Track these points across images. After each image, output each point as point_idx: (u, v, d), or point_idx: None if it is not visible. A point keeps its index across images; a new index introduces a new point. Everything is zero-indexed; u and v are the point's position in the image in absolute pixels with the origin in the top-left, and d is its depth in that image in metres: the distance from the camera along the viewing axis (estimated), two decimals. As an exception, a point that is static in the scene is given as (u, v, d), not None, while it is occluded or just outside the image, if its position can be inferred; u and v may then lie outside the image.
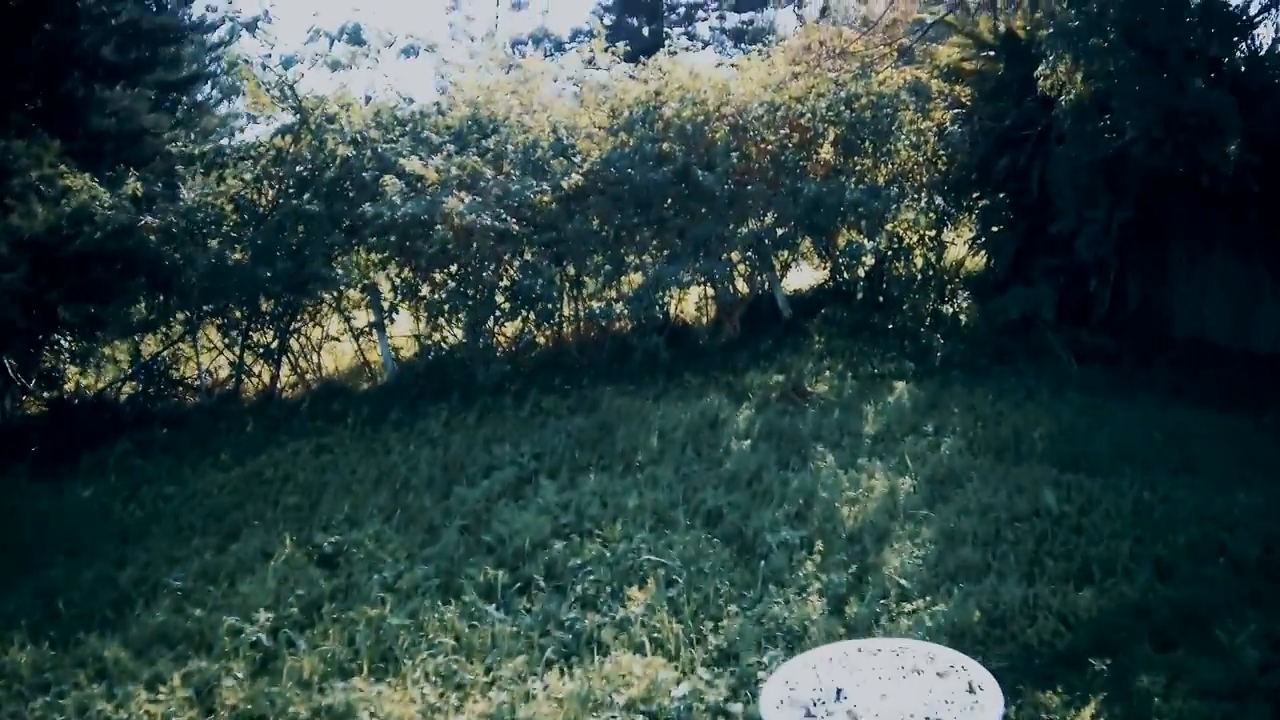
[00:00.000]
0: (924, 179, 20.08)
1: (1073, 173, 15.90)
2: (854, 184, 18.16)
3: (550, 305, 17.85)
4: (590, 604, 9.50)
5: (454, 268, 17.88)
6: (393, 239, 17.25)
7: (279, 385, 18.04)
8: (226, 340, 18.22)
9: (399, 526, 11.33)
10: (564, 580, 9.90)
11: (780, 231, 18.06)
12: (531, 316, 18.21)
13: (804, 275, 22.69)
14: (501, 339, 18.70)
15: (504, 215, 16.60)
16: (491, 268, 17.56)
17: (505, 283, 17.99)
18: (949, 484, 12.27)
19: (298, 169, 17.72)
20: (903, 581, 9.99)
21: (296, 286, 17.07)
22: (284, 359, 18.12)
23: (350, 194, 17.46)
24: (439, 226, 16.45)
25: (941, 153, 19.89)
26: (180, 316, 17.53)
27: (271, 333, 18.07)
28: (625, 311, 17.58)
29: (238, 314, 17.70)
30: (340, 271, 17.57)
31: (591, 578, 9.89)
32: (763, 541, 10.87)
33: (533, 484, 12.19)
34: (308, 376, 18.41)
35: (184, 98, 32.29)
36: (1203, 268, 17.41)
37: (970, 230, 21.20)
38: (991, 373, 16.57)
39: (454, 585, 9.87)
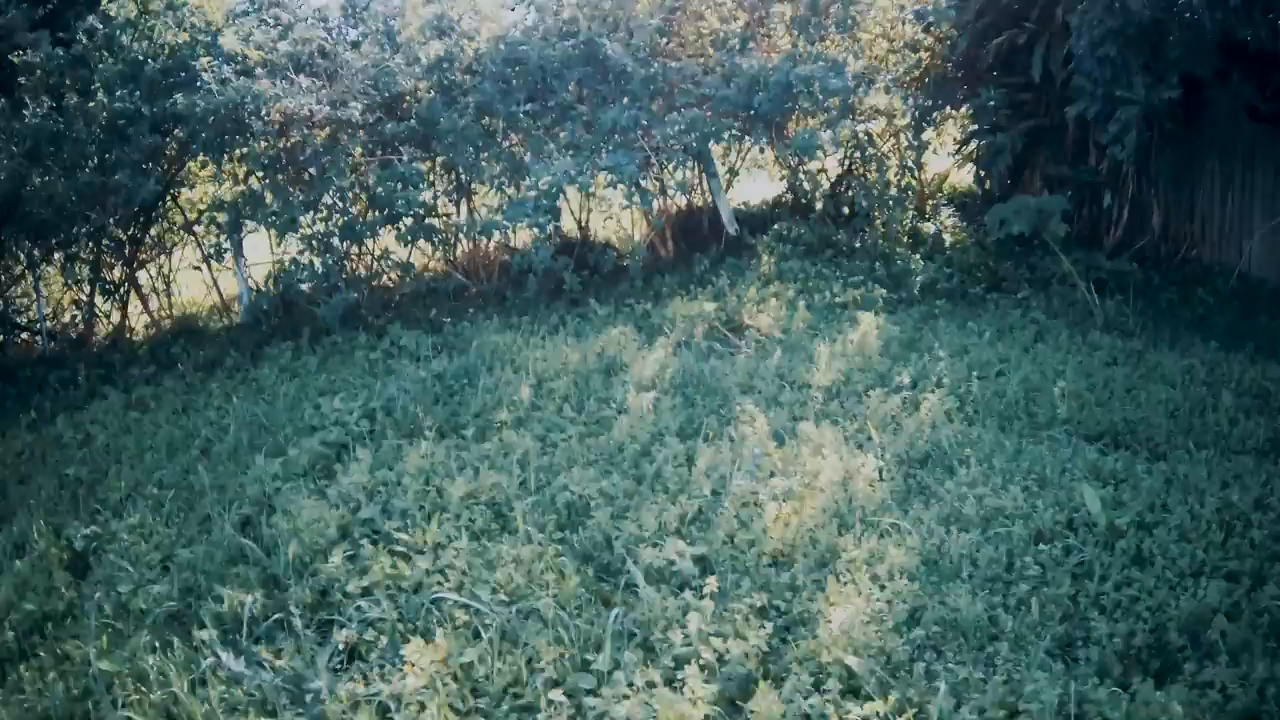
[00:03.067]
0: (900, 72, 15.25)
1: (1095, 43, 11.25)
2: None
3: (416, 217, 13.19)
4: (357, 658, 6.14)
5: (290, 172, 13.51)
6: (205, 137, 13.35)
7: (129, 326, 15.38)
8: (71, 278, 15.45)
9: (170, 514, 8.30)
10: (334, 613, 6.54)
11: (716, 121, 13.12)
12: (399, 232, 13.89)
13: (760, 187, 17.98)
14: (358, 264, 14.70)
15: (347, 103, 12.07)
16: (335, 171, 12.89)
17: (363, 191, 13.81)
18: (932, 468, 8.01)
19: (119, 66, 13.94)
20: (848, 659, 5.56)
21: (101, 204, 13.83)
22: (133, 296, 15.54)
23: (177, 90, 13.54)
24: (258, 118, 12.42)
25: (920, 37, 15.09)
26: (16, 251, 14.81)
27: (119, 267, 15.33)
28: (510, 225, 12.89)
29: (78, 247, 14.94)
30: (153, 183, 13.53)
31: (368, 616, 6.39)
32: (635, 563, 6.73)
33: (351, 454, 8.73)
34: (160, 314, 15.81)
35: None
36: (1241, 193, 13.42)
37: (956, 139, 16.47)
38: (987, 304, 12.27)
39: (192, 613, 6.81)
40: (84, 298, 15.32)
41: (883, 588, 6.23)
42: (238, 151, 13.77)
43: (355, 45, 14.01)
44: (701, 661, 5.60)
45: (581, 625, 6.10)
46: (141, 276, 15.88)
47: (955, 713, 5.09)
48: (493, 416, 9.45)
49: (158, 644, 6.34)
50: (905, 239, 14.73)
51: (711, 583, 6.19)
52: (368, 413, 9.71)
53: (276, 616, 6.51)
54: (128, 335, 15.15)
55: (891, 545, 6.68)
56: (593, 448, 8.62)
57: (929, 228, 15.41)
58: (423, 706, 5.45)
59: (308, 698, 5.66)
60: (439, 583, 6.64)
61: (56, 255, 15.01)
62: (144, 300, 15.76)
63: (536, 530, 7.28)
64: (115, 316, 15.43)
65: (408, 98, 13.83)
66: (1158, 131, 12.95)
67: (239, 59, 13.40)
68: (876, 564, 6.50)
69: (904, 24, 15.67)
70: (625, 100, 13.30)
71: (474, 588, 6.52)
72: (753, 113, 13.42)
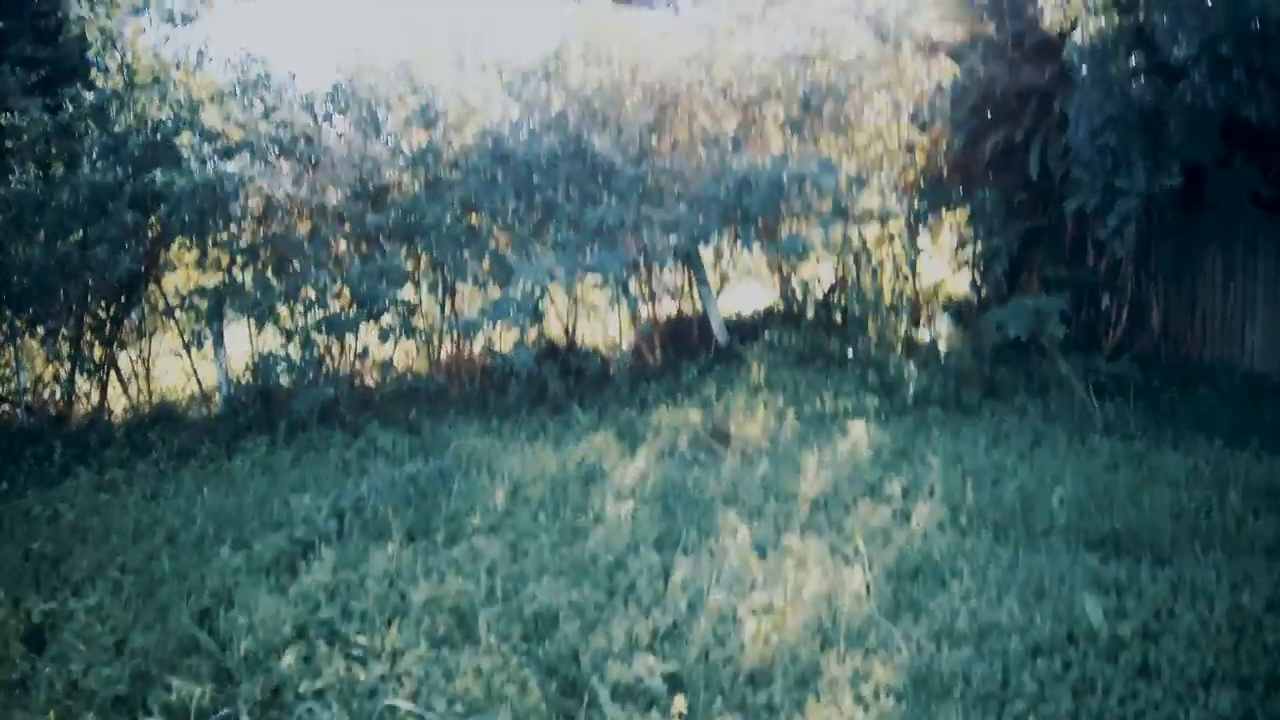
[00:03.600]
0: (896, 174, 14.92)
1: (1094, 132, 10.92)
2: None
3: (398, 314, 12.79)
4: None
5: (271, 260, 13.09)
6: (187, 218, 12.90)
7: (108, 407, 14.87)
8: (51, 353, 14.90)
9: (129, 598, 7.97)
10: (285, 712, 6.21)
11: (706, 220, 12.77)
12: (378, 329, 13.50)
13: (752, 295, 17.60)
14: (340, 360, 14.15)
15: (328, 190, 11.78)
16: (316, 261, 12.58)
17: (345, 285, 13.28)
18: (924, 581, 7.45)
19: (103, 139, 13.69)
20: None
21: (79, 278, 13.55)
22: (113, 377, 15.11)
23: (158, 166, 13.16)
24: (236, 201, 11.84)
25: (916, 139, 14.82)
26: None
27: (99, 346, 14.86)
28: (492, 323, 12.44)
29: (58, 322, 14.46)
30: (129, 260, 13.14)
31: (318, 719, 6.00)
32: (601, 680, 6.18)
33: (315, 553, 8.36)
34: (140, 398, 15.31)
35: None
36: (1244, 281, 13.03)
37: (952, 241, 16.11)
38: (982, 411, 11.74)
39: (140, 699, 6.46)
40: (64, 373, 14.90)
41: (867, 709, 5.69)
42: (219, 236, 13.46)
43: (340, 136, 13.67)
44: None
45: None
46: (122, 359, 15.51)
47: None
48: (464, 521, 9.01)
49: None
50: (899, 347, 14.28)
51: (680, 703, 5.62)
52: (337, 512, 9.27)
53: (225, 712, 6.21)
54: (106, 416, 14.74)
55: (878, 662, 6.14)
56: (565, 557, 8.11)
57: (924, 335, 14.95)
58: None
59: None
60: (394, 689, 6.20)
61: (38, 328, 14.60)
62: (123, 382, 15.38)
63: (500, 640, 6.78)
64: (95, 396, 15.06)
65: (392, 190, 13.51)
66: (1158, 223, 12.58)
67: (219, 138, 13.08)
68: (861, 683, 5.96)
69: (898, 124, 15.36)
70: (613, 199, 12.94)
71: (430, 697, 6.06)
72: (742, 213, 13.02)
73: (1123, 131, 11.15)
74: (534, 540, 8.50)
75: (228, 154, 13.08)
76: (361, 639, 6.77)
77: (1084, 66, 11.28)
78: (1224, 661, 5.88)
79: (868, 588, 7.20)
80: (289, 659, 6.57)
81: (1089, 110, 11.32)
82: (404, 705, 5.96)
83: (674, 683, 6.12)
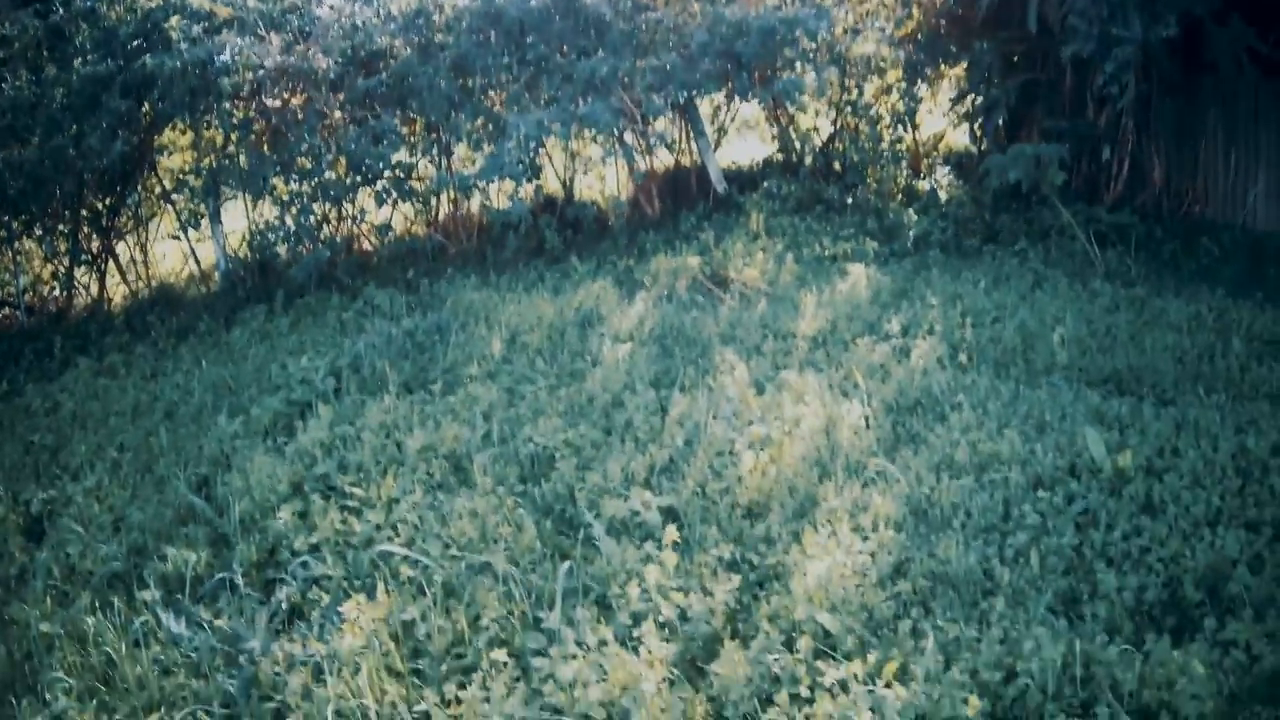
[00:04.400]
0: (891, 27, 14.36)
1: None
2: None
3: (393, 178, 12.49)
4: (298, 617, 5.67)
5: (264, 133, 12.93)
6: (178, 99, 12.64)
7: (107, 297, 14.72)
8: (49, 250, 14.83)
9: (127, 476, 7.88)
10: (281, 571, 6.07)
11: (698, 70, 12.28)
12: (374, 194, 13.37)
13: (751, 148, 17.15)
14: (337, 227, 14.00)
15: (319, 58, 11.42)
16: (308, 129, 12.20)
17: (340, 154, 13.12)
18: (923, 414, 7.24)
19: (93, 34, 13.37)
20: (822, 620, 4.80)
21: (73, 170, 13.07)
22: (111, 268, 14.96)
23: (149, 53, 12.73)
24: (226, 77, 11.80)
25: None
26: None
27: (96, 238, 14.73)
28: (487, 180, 12.11)
29: (55, 219, 14.32)
30: (120, 144, 12.71)
31: (314, 573, 5.90)
32: (597, 516, 6.06)
33: (313, 412, 8.19)
34: (139, 285, 15.11)
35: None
36: (1247, 144, 12.41)
37: (951, 94, 15.62)
38: (983, 256, 11.50)
39: (137, 573, 6.35)
40: (63, 270, 14.72)
41: (865, 539, 5.51)
42: (210, 116, 13.13)
43: (330, 6, 13.25)
44: (660, 618, 4.89)
45: (536, 581, 5.43)
46: (120, 249, 15.30)
47: (944, 674, 4.35)
48: (461, 372, 8.83)
49: (99, 605, 5.90)
50: (899, 195, 13.92)
51: (672, 533, 5.43)
52: (334, 370, 9.12)
53: (221, 576, 6.07)
54: (106, 306, 14.52)
55: (876, 494, 5.95)
56: (562, 399, 7.94)
57: (924, 185, 14.57)
58: (358, 668, 4.82)
59: (241, 659, 5.21)
60: (389, 538, 6.06)
61: (36, 229, 14.45)
62: (121, 271, 15.14)
63: (496, 483, 6.63)
64: (94, 289, 14.85)
65: (385, 56, 13.06)
66: (1157, 82, 12.12)
67: (206, 17, 12.69)
68: (859, 514, 5.78)
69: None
70: (604, 53, 12.46)
71: (425, 543, 5.89)
72: (736, 61, 12.56)
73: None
74: (531, 385, 8.36)
75: (216, 32, 12.69)
76: (358, 490, 6.67)
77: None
78: (1230, 502, 5.66)
79: (866, 421, 7.00)
80: (284, 516, 6.48)
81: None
82: (398, 551, 5.80)
83: (670, 516, 5.95)
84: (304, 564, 5.96)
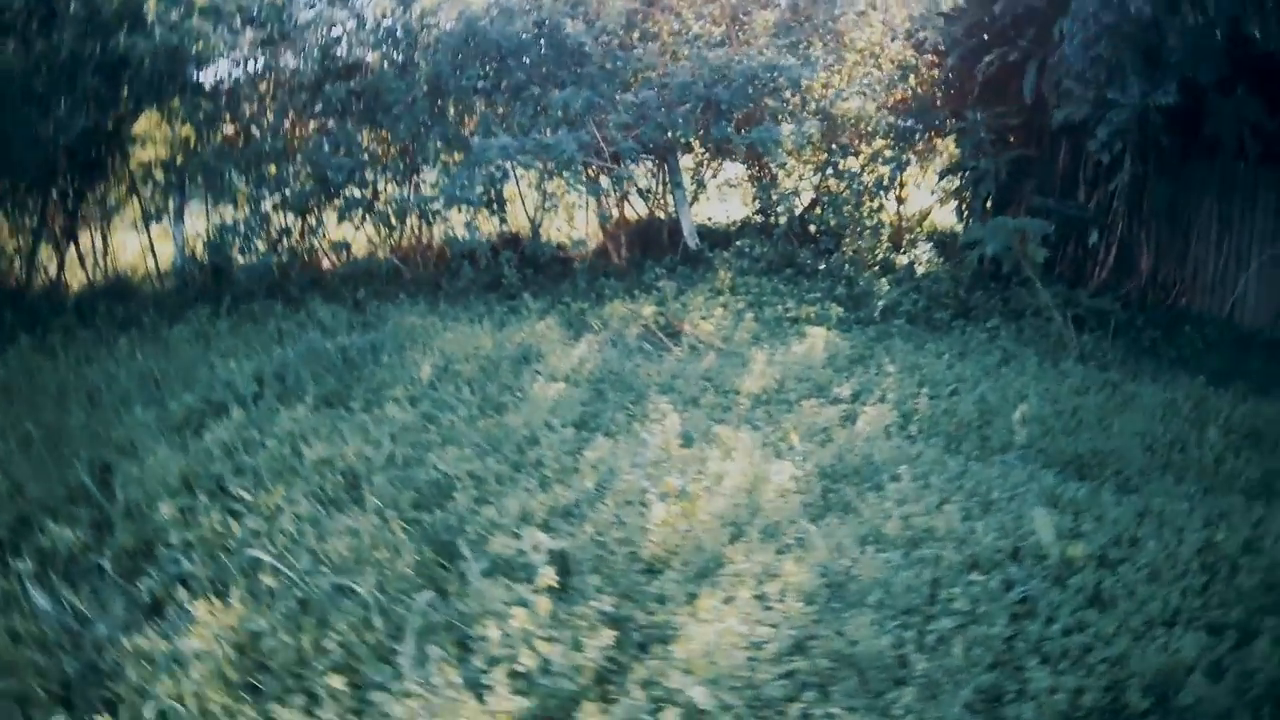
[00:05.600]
0: (884, 90, 13.81)
1: (1088, 42, 9.89)
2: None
3: (355, 196, 11.91)
4: (157, 612, 5.20)
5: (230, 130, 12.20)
6: (145, 78, 12.18)
7: (64, 281, 14.51)
8: (14, 225, 14.37)
9: (35, 451, 7.56)
10: (153, 565, 5.65)
11: (678, 110, 11.67)
12: (337, 209, 12.57)
13: (731, 208, 16.56)
14: (299, 240, 13.36)
15: (289, 57, 10.94)
16: (273, 131, 11.70)
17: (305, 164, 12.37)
18: (859, 482, 6.42)
19: (80, 10, 12.82)
20: (694, 694, 4.11)
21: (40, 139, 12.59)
22: (72, 253, 14.63)
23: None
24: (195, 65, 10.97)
25: (912, 61, 13.76)
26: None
27: (62, 218, 14.43)
28: (446, 200, 11.45)
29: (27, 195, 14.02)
30: (82, 119, 12.40)
31: (183, 569, 5.51)
32: (479, 552, 5.33)
33: (228, 414, 7.86)
34: (96, 272, 14.83)
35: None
36: (1240, 235, 11.94)
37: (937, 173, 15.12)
38: (952, 329, 10.62)
39: (16, 545, 6.00)
40: (26, 247, 14.29)
41: (768, 608, 4.74)
42: (178, 104, 12.73)
43: (311, 8, 12.72)
44: (520, 667, 4.13)
45: (399, 611, 4.78)
46: (84, 237, 14.91)
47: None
48: (385, 392, 8.27)
49: None
50: (875, 266, 13.23)
51: (549, 576, 4.68)
52: (258, 376, 8.87)
53: (98, 565, 5.74)
54: (62, 290, 14.23)
55: (790, 561, 5.18)
56: (479, 430, 7.27)
57: (902, 260, 13.90)
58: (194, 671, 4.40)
59: (87, 642, 4.95)
60: (264, 546, 5.54)
61: (6, 202, 14.09)
62: (81, 256, 14.76)
63: (387, 505, 6.05)
64: (53, 270, 14.51)
65: (361, 69, 12.56)
66: (1153, 163, 11.56)
67: (184, 2, 12.21)
68: (767, 581, 5.01)
69: (892, 43, 14.28)
70: (581, 86, 11.87)
71: (296, 556, 5.39)
72: (716, 107, 11.95)
73: (1117, 42, 10.13)
74: (450, 413, 7.73)
75: (189, 17, 12.28)
76: (245, 494, 6.28)
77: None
78: (1190, 601, 4.92)
79: (796, 483, 6.24)
80: (167, 510, 6.09)
81: (1084, 20, 10.29)
82: (266, 559, 5.30)
83: (560, 561, 5.18)
84: (174, 560, 5.61)
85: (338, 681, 4.21)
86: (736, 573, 5.06)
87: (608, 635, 4.38)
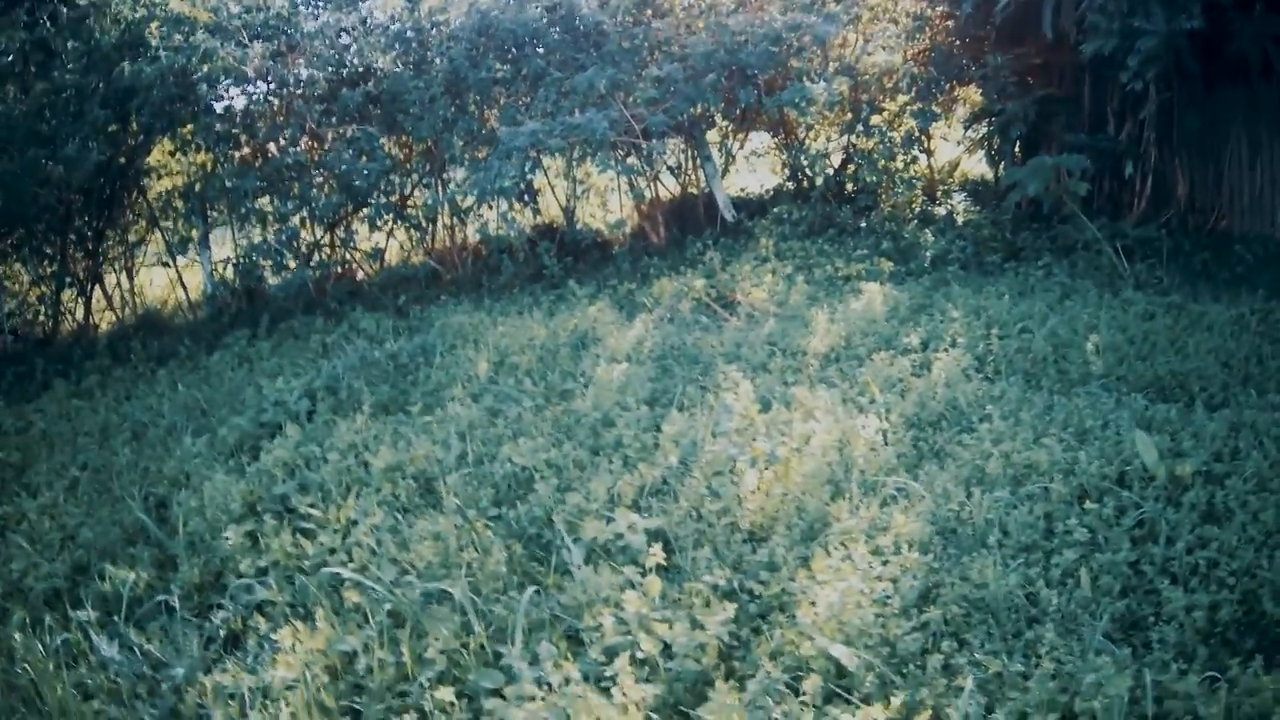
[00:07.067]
0: (905, 42, 13.56)
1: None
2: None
3: (382, 203, 11.77)
4: (236, 645, 5.06)
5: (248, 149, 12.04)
6: (154, 105, 11.91)
7: (93, 323, 14.21)
8: (34, 274, 14.24)
9: (84, 494, 7.42)
10: (224, 597, 5.45)
11: (704, 79, 11.48)
12: (366, 217, 12.43)
13: (760, 178, 16.38)
14: (331, 253, 13.35)
15: (301, 67, 10.78)
16: (290, 142, 11.55)
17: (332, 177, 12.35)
18: (948, 427, 6.33)
19: (72, 44, 12.78)
20: (836, 651, 3.98)
21: (51, 181, 12.45)
22: (98, 293, 14.40)
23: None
24: (207, 84, 11.05)
25: (926, 12, 13.53)
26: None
27: (83, 260, 14.18)
28: (476, 194, 11.31)
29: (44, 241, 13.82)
30: (94, 154, 12.18)
31: (258, 597, 5.30)
32: (576, 540, 5.17)
33: (282, 433, 7.64)
34: (125, 311, 14.60)
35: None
36: (1273, 158, 11.52)
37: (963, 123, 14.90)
38: (1005, 271, 10.48)
39: (76, 594, 5.82)
40: (49, 294, 14.13)
41: (885, 563, 4.64)
42: (192, 127, 12.51)
43: (318, 17, 12.60)
44: (640, 654, 4.01)
45: (498, 611, 4.62)
46: (108, 276, 14.81)
47: (987, 718, 3.43)
48: (444, 393, 8.12)
49: (31, 623, 5.38)
50: (914, 220, 13.04)
51: (657, 554, 4.57)
52: (309, 392, 8.60)
53: (160, 599, 5.54)
54: (91, 333, 14.02)
55: (897, 512, 5.07)
56: (548, 419, 7.15)
57: (940, 210, 13.71)
58: (286, 703, 4.18)
59: (164, 687, 4.73)
60: (342, 562, 5.35)
61: (24, 250, 13.94)
62: (108, 296, 14.62)
63: (466, 505, 5.87)
64: (80, 313, 14.33)
65: (376, 73, 12.39)
66: (1180, 91, 11.30)
67: (187, 24, 12.06)
68: (878, 535, 4.91)
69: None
70: (602, 65, 11.70)
71: (379, 568, 5.15)
72: (742, 73, 11.76)
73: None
74: (515, 405, 7.60)
75: (193, 34, 12.10)
76: (315, 511, 6.04)
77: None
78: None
79: (884, 436, 6.12)
80: (232, 538, 5.88)
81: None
82: (347, 575, 5.05)
83: (660, 541, 5.06)
84: (248, 588, 5.41)
85: (446, 694, 4.01)
86: (844, 530, 4.95)
87: (726, 610, 4.26)
